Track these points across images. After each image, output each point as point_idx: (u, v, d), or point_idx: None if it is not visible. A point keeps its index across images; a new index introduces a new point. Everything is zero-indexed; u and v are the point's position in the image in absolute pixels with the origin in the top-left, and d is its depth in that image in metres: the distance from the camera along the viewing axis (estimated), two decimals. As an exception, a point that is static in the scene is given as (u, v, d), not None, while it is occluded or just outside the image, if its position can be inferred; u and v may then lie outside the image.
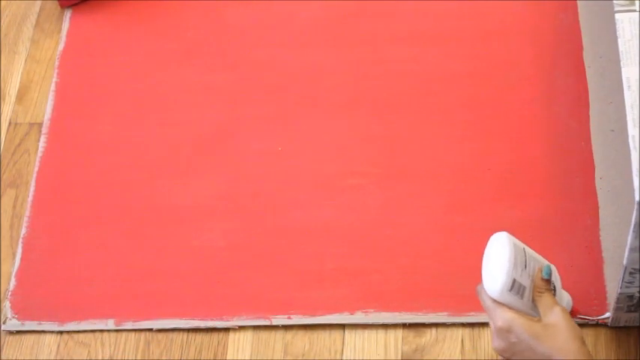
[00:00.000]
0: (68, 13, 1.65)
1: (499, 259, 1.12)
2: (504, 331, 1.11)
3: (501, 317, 1.11)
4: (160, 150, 1.50)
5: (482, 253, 1.37)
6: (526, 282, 1.12)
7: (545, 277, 1.14)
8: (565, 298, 1.19)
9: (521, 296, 1.12)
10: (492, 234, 1.38)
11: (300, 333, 1.36)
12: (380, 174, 1.45)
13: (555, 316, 1.11)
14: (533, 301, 1.13)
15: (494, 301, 1.12)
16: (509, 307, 1.12)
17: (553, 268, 1.17)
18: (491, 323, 1.14)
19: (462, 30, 1.56)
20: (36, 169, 1.51)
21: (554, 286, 1.16)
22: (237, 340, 1.36)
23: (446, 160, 1.45)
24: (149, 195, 1.47)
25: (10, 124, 1.55)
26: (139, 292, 1.40)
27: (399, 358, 1.33)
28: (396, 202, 1.43)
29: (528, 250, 1.15)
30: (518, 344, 1.11)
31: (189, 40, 1.60)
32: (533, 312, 1.13)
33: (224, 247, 1.42)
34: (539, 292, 1.13)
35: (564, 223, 1.38)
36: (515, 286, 1.11)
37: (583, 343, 1.10)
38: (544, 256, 1.33)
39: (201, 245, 1.42)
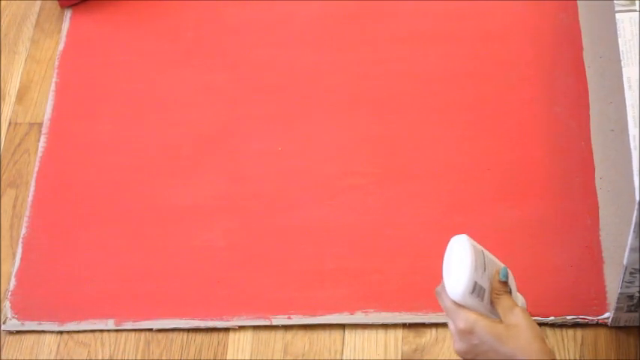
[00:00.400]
0: (68, 13, 1.65)
1: (462, 262, 1.11)
2: (467, 333, 1.11)
3: (464, 319, 1.11)
4: (160, 150, 1.50)
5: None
6: (485, 284, 1.12)
7: (503, 279, 1.14)
8: (520, 300, 1.19)
9: (482, 299, 1.12)
10: (492, 234, 1.38)
11: (300, 333, 1.36)
12: (380, 174, 1.45)
13: (516, 316, 1.11)
14: (492, 303, 1.13)
15: (456, 303, 1.12)
16: (470, 310, 1.12)
17: (509, 270, 1.17)
18: (451, 325, 1.13)
19: (462, 30, 1.56)
20: (36, 169, 1.51)
21: (510, 289, 1.16)
22: (237, 340, 1.36)
23: (446, 160, 1.45)
24: (149, 195, 1.47)
25: (10, 124, 1.55)
26: (139, 292, 1.40)
27: (399, 358, 1.33)
28: (396, 202, 1.43)
29: (486, 252, 1.15)
30: (481, 345, 1.11)
31: (189, 40, 1.60)
32: (491, 314, 1.13)
33: (224, 247, 1.42)
34: (497, 295, 1.13)
35: (564, 223, 1.38)
36: (476, 289, 1.11)
37: (544, 341, 1.10)
38: (545, 256, 1.34)
39: (201, 245, 1.42)
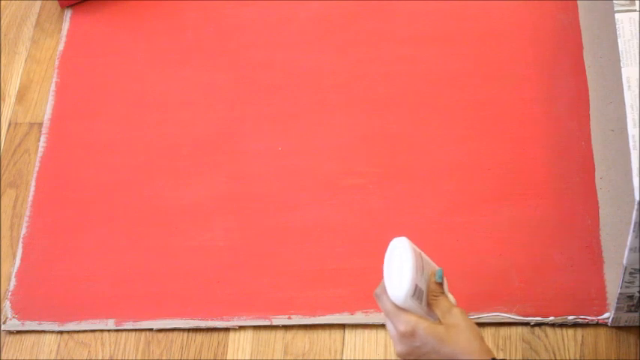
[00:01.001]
0: (68, 13, 1.65)
1: (403, 265, 1.11)
2: (408, 336, 1.11)
3: (405, 322, 1.11)
4: (160, 150, 1.50)
5: (483, 253, 1.37)
6: (424, 286, 1.13)
7: (439, 280, 1.14)
8: (451, 299, 1.19)
9: (420, 301, 1.12)
10: (493, 234, 1.38)
11: (300, 333, 1.36)
12: (380, 174, 1.45)
13: (455, 317, 1.12)
14: (429, 304, 1.13)
15: (396, 306, 1.12)
16: (410, 312, 1.11)
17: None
18: (391, 328, 1.13)
19: (462, 30, 1.56)
20: (36, 169, 1.51)
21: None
22: (237, 340, 1.36)
23: (446, 160, 1.45)
24: (149, 195, 1.47)
25: (10, 124, 1.55)
26: (139, 292, 1.40)
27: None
28: (396, 202, 1.43)
29: (423, 254, 1.15)
30: (422, 347, 1.11)
31: (188, 40, 1.60)
32: (428, 315, 1.13)
33: (224, 247, 1.42)
34: (434, 296, 1.13)
35: (564, 223, 1.38)
36: (416, 292, 1.11)
37: (483, 341, 1.11)
38: (545, 256, 1.33)
39: (201, 245, 1.42)
